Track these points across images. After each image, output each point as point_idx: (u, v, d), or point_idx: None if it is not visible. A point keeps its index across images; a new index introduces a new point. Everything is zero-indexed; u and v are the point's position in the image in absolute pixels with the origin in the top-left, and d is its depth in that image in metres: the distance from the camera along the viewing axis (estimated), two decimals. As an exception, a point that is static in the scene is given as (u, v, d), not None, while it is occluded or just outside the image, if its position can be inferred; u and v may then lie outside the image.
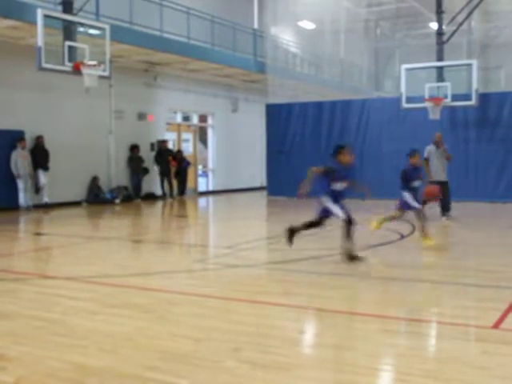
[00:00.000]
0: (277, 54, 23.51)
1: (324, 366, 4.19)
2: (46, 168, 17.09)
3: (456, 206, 17.07)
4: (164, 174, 20.85)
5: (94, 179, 18.83)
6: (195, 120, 24.24)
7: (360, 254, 8.12)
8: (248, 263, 8.41)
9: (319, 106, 20.88)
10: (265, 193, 21.72)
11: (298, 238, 8.50)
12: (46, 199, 17.10)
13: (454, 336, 4.85)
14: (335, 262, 8.30)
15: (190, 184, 22.62)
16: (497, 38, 25.72)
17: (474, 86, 17.40)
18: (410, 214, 9.94)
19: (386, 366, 4.36)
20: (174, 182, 21.31)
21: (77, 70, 13.27)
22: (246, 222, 14.51)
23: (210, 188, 24.44)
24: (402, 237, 10.71)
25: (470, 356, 4.39)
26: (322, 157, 20.63)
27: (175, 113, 23.19)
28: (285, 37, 25.81)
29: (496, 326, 5.06)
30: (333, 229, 12.29)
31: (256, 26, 23.54)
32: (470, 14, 19.86)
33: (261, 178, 23.82)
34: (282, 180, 20.97)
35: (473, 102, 17.43)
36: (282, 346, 4.61)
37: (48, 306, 5.94)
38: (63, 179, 17.76)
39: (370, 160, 19.87)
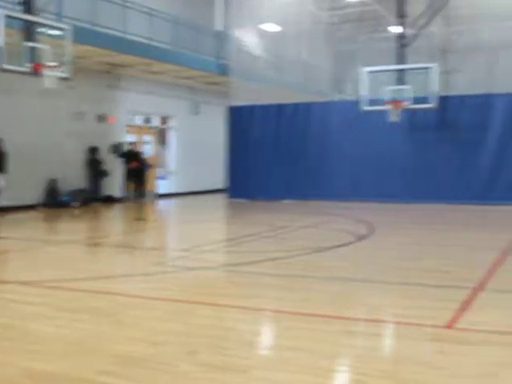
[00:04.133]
0: (240, 56, 23.50)
1: (282, 368, 4.17)
2: (3, 171, 16.76)
3: (415, 208, 17.34)
4: (129, 176, 20.55)
5: (53, 182, 18.54)
6: (156, 122, 24.09)
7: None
8: (206, 265, 8.35)
9: (281, 108, 20.94)
10: (226, 195, 21.67)
11: (256, 240, 8.49)
12: (2, 202, 16.76)
13: (410, 336, 4.89)
14: (293, 263, 8.32)
15: (150, 186, 22.41)
16: (457, 42, 26.10)
17: (434, 89, 17.64)
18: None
19: (342, 367, 4.38)
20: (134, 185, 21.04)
21: (37, 71, 13.05)
22: (206, 224, 14.47)
23: (171, 190, 24.29)
24: (359, 238, 10.77)
25: (426, 356, 4.42)
26: (283, 159, 20.80)
27: (136, 115, 23.01)
28: (248, 39, 25.81)
29: (450, 325, 5.13)
30: (289, 231, 12.39)
31: (219, 28, 23.50)
32: (430, 18, 20.13)
33: (222, 181, 23.76)
34: (243, 182, 20.97)
35: (433, 104, 17.66)
36: (239, 348, 4.60)
37: (3, 311, 5.82)
38: (21, 182, 17.43)
39: (330, 162, 20.01)
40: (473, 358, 4.33)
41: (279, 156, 20.78)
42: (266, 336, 5.25)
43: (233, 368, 4.13)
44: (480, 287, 6.67)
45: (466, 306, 5.79)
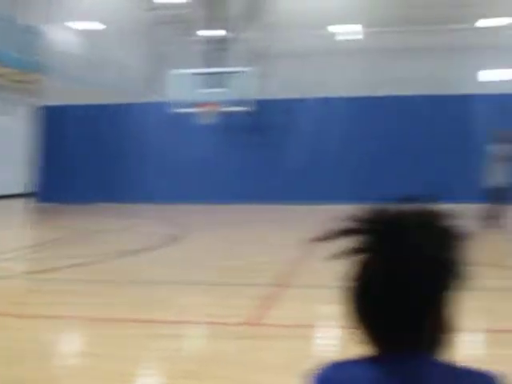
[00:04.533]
0: (54, 54, 22.62)
1: (86, 376, 4.06)
2: None
3: (232, 209, 17.71)
4: None
5: None
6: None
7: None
8: (6, 274, 7.85)
9: (97, 108, 20.43)
10: (34, 199, 20.40)
11: (63, 246, 8.20)
12: None
13: (216, 335, 5.00)
14: (100, 268, 8.14)
15: None
16: (272, 48, 27.12)
17: (250, 92, 18.10)
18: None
19: (148, 371, 4.35)
20: None
21: None
22: (7, 231, 13.38)
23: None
24: (172, 240, 10.77)
25: (230, 353, 4.53)
26: (99, 161, 20.22)
27: None
28: (64, 36, 24.88)
29: (254, 322, 5.31)
30: (100, 235, 12.08)
31: (32, 23, 22.39)
32: (247, 23, 20.71)
33: (31, 184, 22.43)
34: (55, 186, 20.13)
35: (248, 108, 18.10)
36: (41, 359, 4.40)
37: None
38: None
39: (148, 164, 19.89)
40: (273, 353, 4.50)
41: (95, 158, 20.25)
42: (70, 344, 5.08)
43: (34, 381, 3.95)
44: (284, 284, 6.97)
45: (270, 302, 6.01)
